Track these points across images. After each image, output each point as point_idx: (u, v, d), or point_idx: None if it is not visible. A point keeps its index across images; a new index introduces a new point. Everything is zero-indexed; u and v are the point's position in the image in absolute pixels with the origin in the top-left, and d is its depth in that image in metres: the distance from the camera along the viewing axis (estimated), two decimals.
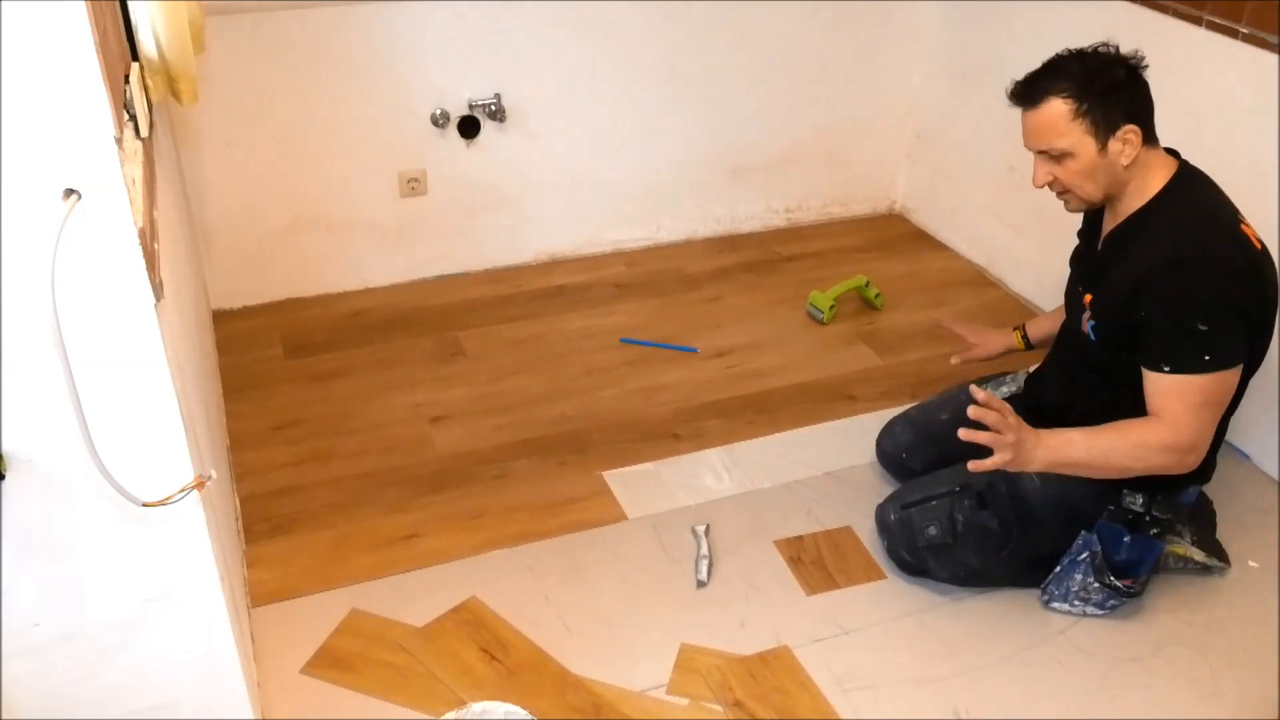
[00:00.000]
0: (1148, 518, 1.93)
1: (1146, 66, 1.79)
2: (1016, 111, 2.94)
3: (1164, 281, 1.74)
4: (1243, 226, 1.77)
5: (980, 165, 3.09)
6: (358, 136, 2.80)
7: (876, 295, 2.94)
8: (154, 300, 1.27)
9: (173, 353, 1.37)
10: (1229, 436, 2.38)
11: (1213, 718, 1.80)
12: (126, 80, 1.48)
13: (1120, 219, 1.85)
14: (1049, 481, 1.94)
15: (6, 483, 1.29)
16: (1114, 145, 1.76)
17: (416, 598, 1.99)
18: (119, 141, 1.19)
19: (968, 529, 1.97)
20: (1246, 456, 2.38)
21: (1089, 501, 1.93)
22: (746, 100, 3.13)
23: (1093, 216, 1.97)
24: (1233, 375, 1.76)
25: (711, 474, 2.33)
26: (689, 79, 3.03)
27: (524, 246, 3.13)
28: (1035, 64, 2.89)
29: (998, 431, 1.74)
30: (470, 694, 1.79)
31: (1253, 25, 2.19)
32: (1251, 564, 2.10)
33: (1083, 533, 1.93)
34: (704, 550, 2.09)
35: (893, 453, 2.27)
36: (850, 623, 1.97)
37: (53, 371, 1.19)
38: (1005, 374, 2.25)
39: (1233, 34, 2.23)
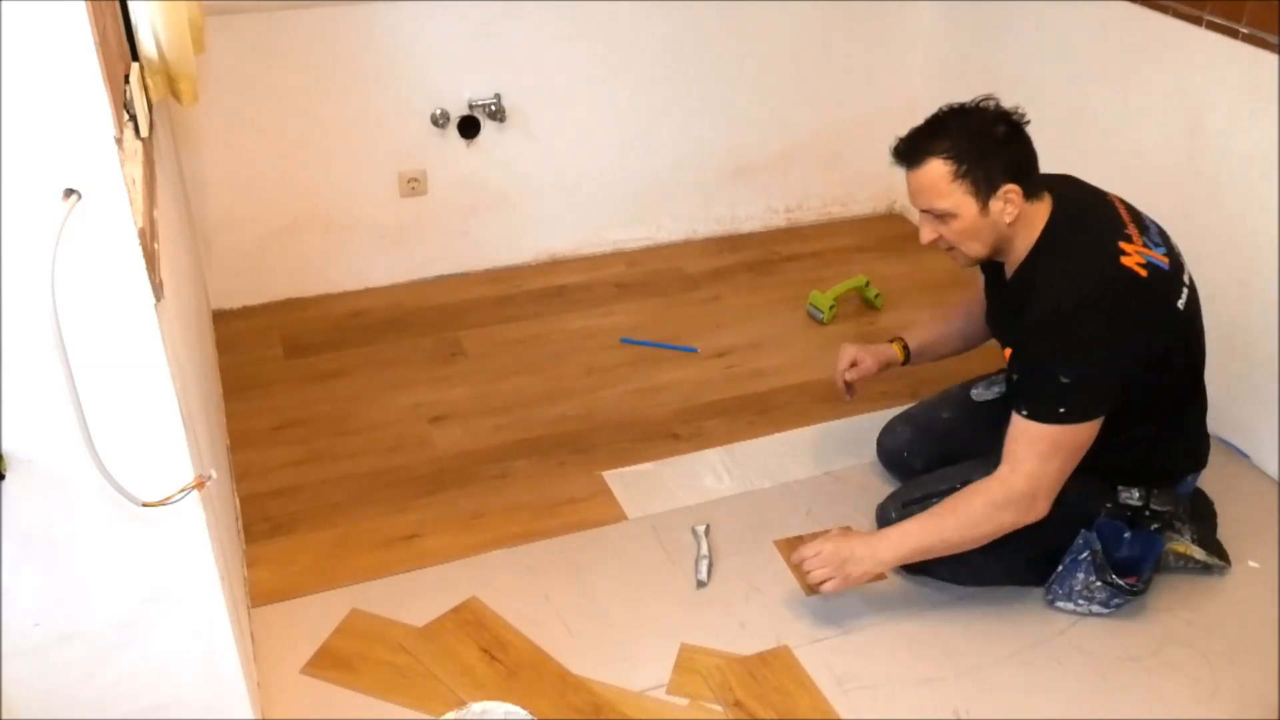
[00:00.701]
0: (1147, 512, 1.94)
1: (1028, 122, 1.79)
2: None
3: (1038, 336, 1.77)
4: (1123, 259, 1.75)
5: None
6: (358, 136, 2.80)
7: (876, 295, 2.94)
8: (154, 300, 1.27)
9: (173, 353, 1.37)
10: (1229, 437, 2.40)
11: (1213, 718, 1.80)
12: (126, 80, 1.48)
13: (1013, 270, 1.88)
14: None
15: (6, 483, 1.29)
16: (995, 205, 1.76)
17: (416, 598, 1.99)
18: (119, 141, 1.19)
19: None
20: (1246, 456, 2.38)
21: (1087, 499, 1.93)
22: (746, 100, 3.13)
23: (995, 268, 1.96)
24: (1089, 428, 1.77)
25: (711, 474, 2.33)
26: (689, 79, 3.04)
27: (524, 246, 3.13)
28: (1035, 65, 2.91)
29: (816, 560, 1.84)
30: (470, 694, 1.79)
31: (1253, 25, 2.18)
32: (1251, 564, 2.10)
33: (1082, 532, 1.93)
34: (704, 550, 2.09)
35: (893, 451, 2.27)
36: (850, 623, 1.96)
37: (53, 371, 1.19)
38: (1000, 372, 2.24)
39: (1233, 34, 2.23)
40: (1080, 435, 1.77)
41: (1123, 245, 1.77)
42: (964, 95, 3.23)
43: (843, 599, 2.01)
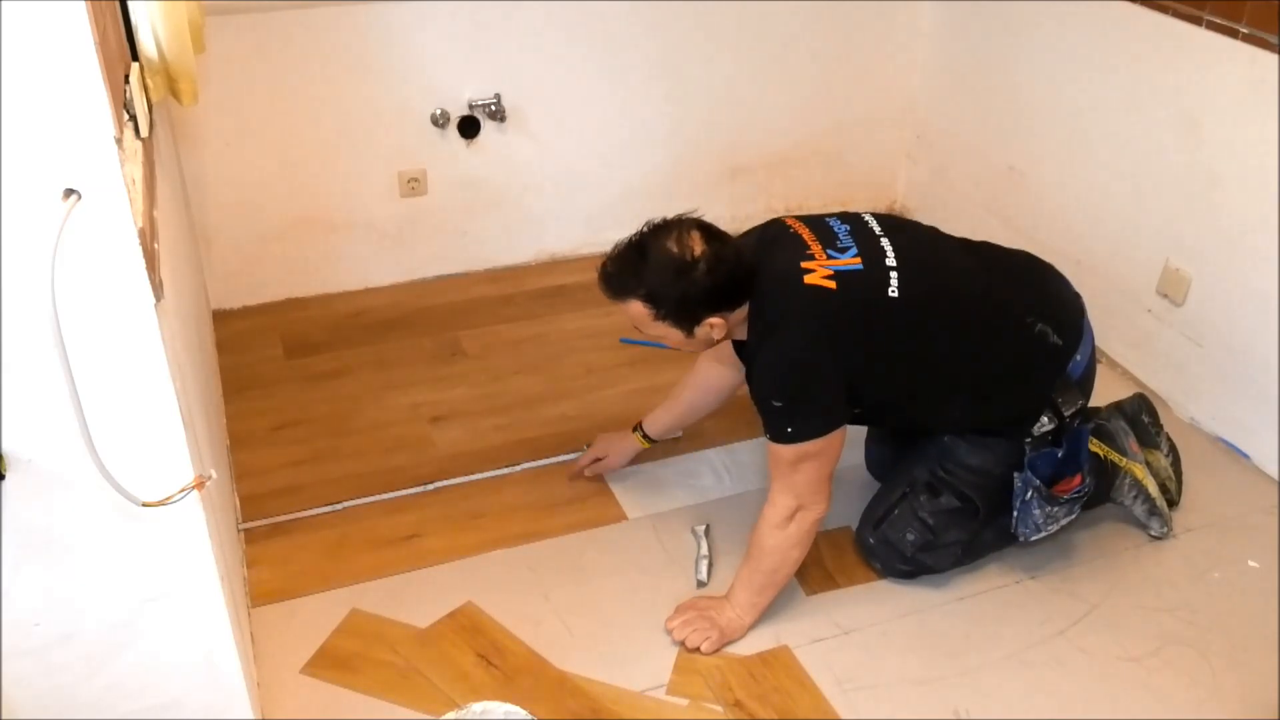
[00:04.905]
0: (1068, 421, 1.95)
1: (727, 261, 1.79)
2: (1016, 112, 2.96)
3: (749, 375, 1.85)
4: (807, 279, 1.79)
5: (980, 165, 3.08)
6: (358, 136, 2.80)
7: None
8: (154, 300, 1.27)
9: (173, 353, 1.37)
10: (1229, 437, 2.40)
11: (1213, 718, 1.80)
12: (126, 80, 1.48)
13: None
14: (968, 441, 1.98)
15: (6, 483, 1.29)
16: (701, 331, 1.83)
17: (417, 598, 1.99)
18: (119, 141, 1.19)
19: (938, 518, 1.99)
20: (1247, 456, 2.38)
21: (1012, 439, 1.97)
22: (746, 99, 3.13)
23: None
24: (822, 442, 1.80)
25: (711, 474, 2.33)
26: (689, 78, 3.03)
27: (524, 246, 3.13)
28: (1035, 65, 2.90)
29: (693, 625, 1.89)
30: (467, 701, 1.79)
31: (1253, 25, 2.19)
32: (1252, 564, 2.10)
33: (1015, 476, 1.95)
34: (704, 550, 2.10)
35: (872, 465, 2.31)
36: (850, 623, 1.97)
37: (53, 371, 1.18)
38: None
39: (1233, 34, 2.23)
40: (819, 444, 1.81)
41: (804, 265, 1.81)
42: (963, 95, 3.21)
43: (843, 599, 2.01)
